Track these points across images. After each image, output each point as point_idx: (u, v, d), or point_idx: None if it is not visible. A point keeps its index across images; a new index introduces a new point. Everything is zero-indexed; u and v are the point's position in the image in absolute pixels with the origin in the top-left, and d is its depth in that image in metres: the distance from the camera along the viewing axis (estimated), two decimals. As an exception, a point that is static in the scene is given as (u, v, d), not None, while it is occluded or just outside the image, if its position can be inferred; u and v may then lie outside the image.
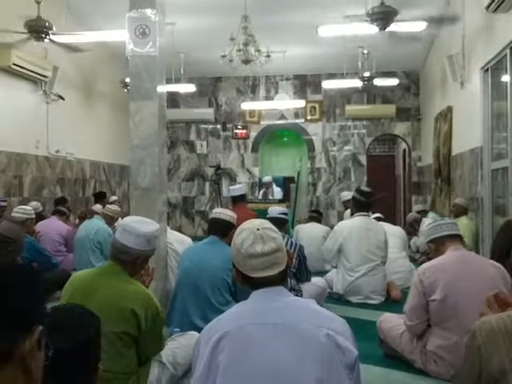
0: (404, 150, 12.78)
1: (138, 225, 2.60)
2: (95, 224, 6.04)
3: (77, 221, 7.96)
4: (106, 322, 2.43)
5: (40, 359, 0.95)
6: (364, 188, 5.59)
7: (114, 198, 8.70)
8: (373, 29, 6.12)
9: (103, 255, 5.63)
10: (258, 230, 1.71)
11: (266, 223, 1.77)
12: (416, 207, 8.68)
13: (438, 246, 3.18)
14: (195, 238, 4.93)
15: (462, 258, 3.08)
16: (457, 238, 3.16)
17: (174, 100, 11.43)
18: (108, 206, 6.55)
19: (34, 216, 5.42)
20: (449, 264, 3.04)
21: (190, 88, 10.47)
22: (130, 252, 2.55)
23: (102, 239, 5.72)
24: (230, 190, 6.36)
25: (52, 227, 6.43)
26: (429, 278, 3.04)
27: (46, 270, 5.16)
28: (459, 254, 3.08)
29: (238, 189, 6.18)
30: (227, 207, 6.40)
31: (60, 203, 7.35)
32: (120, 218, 6.03)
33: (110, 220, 6.16)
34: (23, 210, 5.30)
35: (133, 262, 2.58)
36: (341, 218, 9.43)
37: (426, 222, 3.36)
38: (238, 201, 5.98)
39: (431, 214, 7.76)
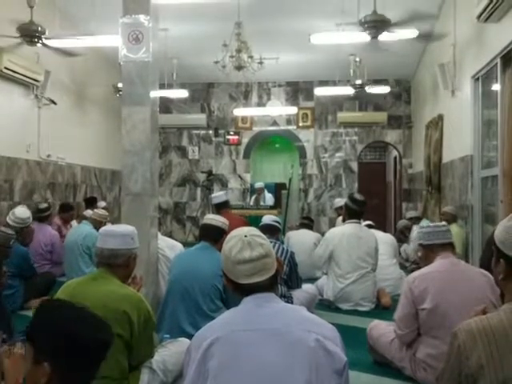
0: (395, 158, 12.84)
1: (118, 228, 2.77)
2: (83, 229, 6.00)
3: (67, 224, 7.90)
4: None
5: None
6: (357, 196, 5.56)
7: (102, 204, 8.61)
8: (365, 37, 6.16)
9: (92, 260, 5.61)
10: (245, 236, 1.73)
11: (254, 230, 1.79)
12: (409, 214, 8.70)
13: (427, 252, 3.19)
14: (186, 244, 4.93)
15: (451, 266, 3.10)
16: (448, 245, 3.17)
17: (166, 105, 11.43)
18: (96, 210, 6.50)
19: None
20: (438, 273, 3.06)
21: (183, 93, 10.47)
22: (121, 253, 2.63)
23: (91, 244, 5.66)
24: (211, 198, 6.24)
25: (39, 234, 6.34)
26: (418, 287, 3.05)
27: (26, 279, 5.06)
28: (448, 263, 3.09)
29: (219, 196, 6.04)
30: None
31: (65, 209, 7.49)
32: (109, 223, 5.99)
33: (99, 225, 6.09)
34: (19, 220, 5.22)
35: (125, 263, 2.66)
36: (332, 224, 9.45)
37: (416, 230, 3.34)
38: (221, 208, 5.85)
39: (425, 222, 7.78)
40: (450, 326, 2.86)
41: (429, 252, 3.19)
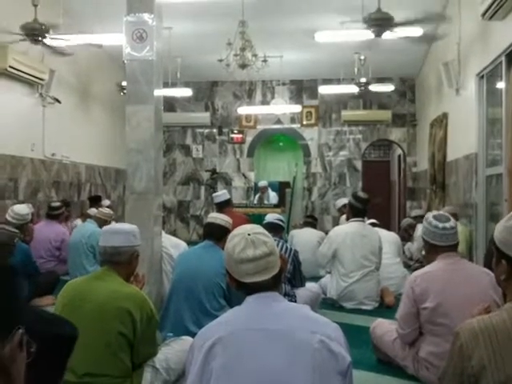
0: (399, 156, 12.81)
1: (120, 225, 2.86)
2: (88, 228, 6.01)
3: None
4: (101, 323, 2.47)
5: (21, 360, 0.95)
6: (361, 194, 5.55)
7: (106, 202, 8.64)
8: (369, 35, 6.15)
9: (96, 259, 5.61)
10: (249, 235, 1.71)
11: (258, 228, 1.77)
12: (414, 212, 8.68)
13: (430, 248, 3.17)
14: (190, 243, 4.94)
15: (454, 265, 3.07)
16: (453, 245, 3.14)
17: (170, 104, 11.43)
18: (100, 209, 6.51)
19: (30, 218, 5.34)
20: (440, 272, 3.04)
21: (187, 92, 10.48)
22: (124, 250, 2.66)
23: (96, 243, 5.63)
24: (213, 197, 6.18)
25: (49, 231, 6.37)
26: (420, 286, 3.04)
27: (29, 276, 5.04)
28: (451, 262, 3.07)
29: (221, 195, 6.00)
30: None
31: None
32: (114, 222, 5.99)
33: (103, 223, 6.08)
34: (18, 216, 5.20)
35: (128, 260, 2.68)
36: (336, 223, 9.44)
37: (423, 223, 3.26)
38: (223, 206, 5.79)
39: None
40: (452, 325, 2.86)
41: (432, 249, 3.16)
